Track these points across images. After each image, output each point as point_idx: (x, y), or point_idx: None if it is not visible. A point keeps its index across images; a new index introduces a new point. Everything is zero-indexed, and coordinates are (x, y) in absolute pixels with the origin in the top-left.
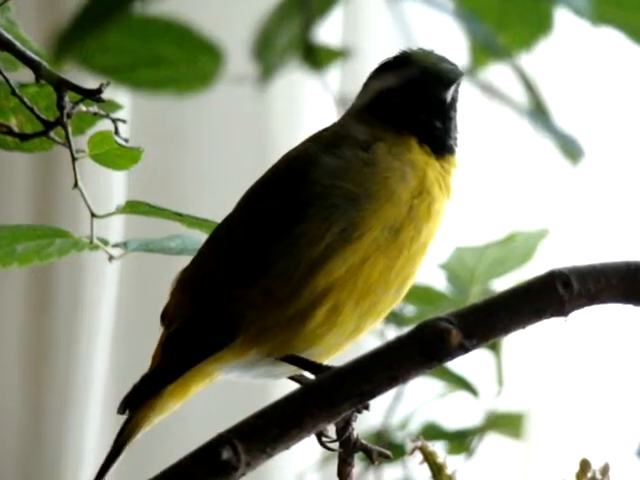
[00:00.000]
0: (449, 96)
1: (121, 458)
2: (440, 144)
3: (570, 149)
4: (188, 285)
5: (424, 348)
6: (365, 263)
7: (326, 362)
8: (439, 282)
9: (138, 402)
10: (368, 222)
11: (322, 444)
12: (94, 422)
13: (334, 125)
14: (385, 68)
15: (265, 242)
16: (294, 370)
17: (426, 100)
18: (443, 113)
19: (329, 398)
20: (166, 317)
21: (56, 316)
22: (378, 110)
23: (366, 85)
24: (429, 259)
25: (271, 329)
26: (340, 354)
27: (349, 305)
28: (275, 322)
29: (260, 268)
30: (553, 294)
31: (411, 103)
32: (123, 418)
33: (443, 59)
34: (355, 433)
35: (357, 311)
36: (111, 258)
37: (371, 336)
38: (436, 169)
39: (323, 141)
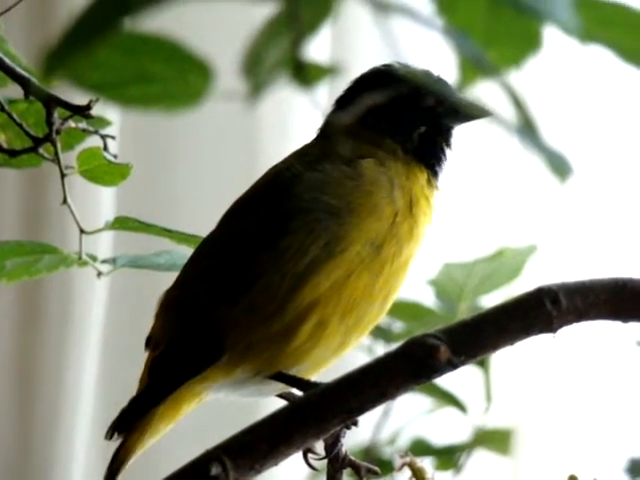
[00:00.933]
0: (430, 102)
1: None
2: (433, 163)
3: (558, 166)
4: (172, 306)
5: (412, 364)
6: (349, 277)
7: (313, 378)
8: (427, 298)
9: (126, 426)
10: (350, 236)
11: (307, 462)
12: (83, 437)
13: (318, 140)
14: (366, 82)
15: (248, 257)
16: (282, 388)
17: (420, 115)
18: (425, 121)
19: (318, 414)
20: (151, 340)
21: (45, 332)
22: (370, 125)
23: (346, 98)
24: (412, 276)
25: (257, 346)
26: (328, 370)
27: (334, 320)
28: (261, 339)
29: (244, 284)
30: (541, 310)
31: (405, 119)
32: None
33: (426, 71)
34: (344, 449)
35: (342, 326)
36: (100, 274)
37: (359, 352)
38: (424, 189)
39: (306, 156)
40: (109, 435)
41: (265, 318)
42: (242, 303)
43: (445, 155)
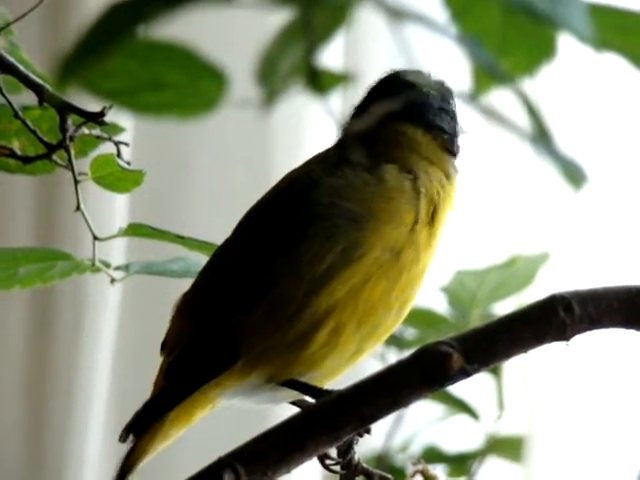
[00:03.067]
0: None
1: None
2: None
3: (573, 174)
4: (188, 310)
5: (425, 372)
6: (366, 284)
7: (326, 386)
8: (440, 305)
9: (141, 429)
10: (369, 242)
11: (325, 467)
12: (95, 445)
13: (336, 147)
14: (379, 90)
15: (266, 263)
16: (296, 395)
17: (445, 116)
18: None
19: (331, 422)
20: (167, 344)
21: (58, 338)
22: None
23: (362, 107)
24: (427, 284)
25: (272, 352)
26: (341, 378)
27: (350, 326)
28: (276, 345)
29: (261, 290)
30: (554, 318)
31: (439, 120)
32: (125, 442)
33: (434, 78)
34: (356, 457)
35: (358, 333)
36: (113, 281)
37: (372, 359)
38: (452, 197)
39: (325, 162)
40: (123, 437)
41: (281, 324)
42: (259, 309)
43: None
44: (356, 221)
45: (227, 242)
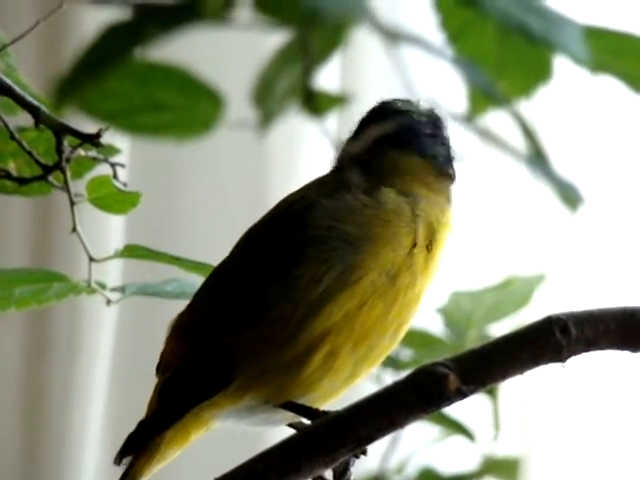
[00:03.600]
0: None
1: None
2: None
3: (568, 195)
4: (183, 331)
5: (421, 393)
6: (362, 307)
7: (322, 408)
8: (436, 326)
9: (134, 450)
10: (366, 265)
11: None
12: (91, 466)
13: (334, 170)
14: (370, 118)
15: (262, 285)
16: (292, 417)
17: (435, 141)
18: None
19: (327, 443)
20: (162, 365)
21: (53, 359)
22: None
23: (355, 136)
24: (423, 307)
25: (267, 374)
26: (337, 399)
27: (346, 350)
28: (272, 367)
29: (257, 312)
30: (551, 340)
31: (429, 145)
32: (120, 464)
33: (425, 105)
34: (352, 478)
35: (354, 356)
36: (109, 302)
37: (368, 381)
38: (448, 220)
39: (324, 186)
40: (118, 460)
41: (277, 346)
42: (254, 331)
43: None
44: (353, 244)
45: (224, 263)
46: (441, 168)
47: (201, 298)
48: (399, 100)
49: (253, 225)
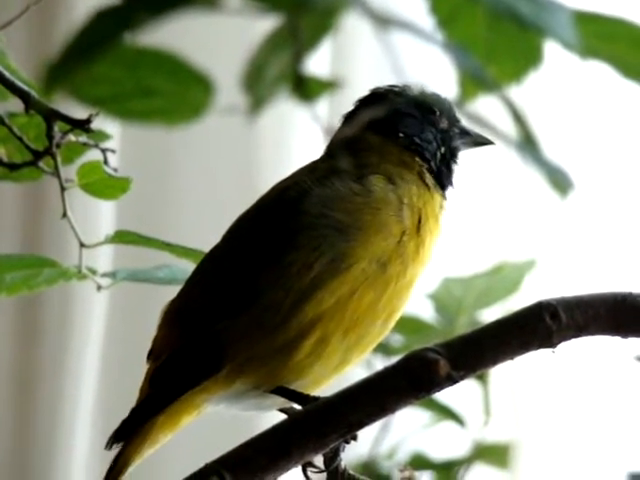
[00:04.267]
0: (444, 124)
1: None
2: (442, 176)
3: (559, 181)
4: (175, 318)
5: (412, 379)
6: (354, 294)
7: (313, 394)
8: (426, 312)
9: (126, 435)
10: (356, 253)
11: (306, 476)
12: (82, 451)
13: (325, 157)
14: (366, 102)
15: (254, 271)
16: (282, 402)
17: (439, 137)
18: (444, 142)
19: (317, 429)
20: (154, 351)
21: (44, 345)
22: (399, 141)
23: (351, 115)
24: (415, 294)
25: (258, 359)
26: (327, 385)
27: (337, 336)
28: (263, 352)
29: (249, 298)
30: (541, 325)
31: (430, 138)
32: (111, 449)
33: (435, 93)
34: (343, 463)
35: (344, 343)
36: (99, 288)
37: (358, 366)
38: (435, 210)
39: (315, 172)
40: (109, 445)
41: (268, 332)
42: (245, 317)
43: (454, 178)
44: (343, 232)
45: (215, 249)
46: (420, 153)
47: (192, 284)
48: (395, 86)
49: (245, 211)
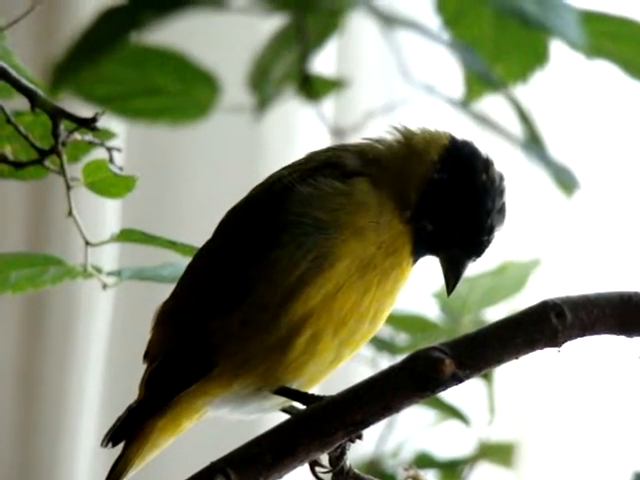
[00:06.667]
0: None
1: None
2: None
3: (564, 180)
4: (167, 319)
5: (417, 378)
6: (339, 292)
7: (310, 391)
8: (431, 311)
9: (123, 436)
10: (337, 252)
11: (314, 474)
12: (86, 451)
13: (326, 151)
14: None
15: (241, 270)
16: (283, 403)
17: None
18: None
19: (322, 428)
20: (149, 352)
21: (49, 343)
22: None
23: None
24: (415, 289)
25: (252, 359)
26: (332, 383)
27: (328, 333)
28: (256, 351)
29: (238, 296)
30: (546, 325)
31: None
32: (115, 448)
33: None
34: (348, 462)
35: (336, 339)
36: (105, 286)
37: (364, 365)
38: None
39: (303, 166)
40: (105, 443)
41: (259, 330)
42: (236, 315)
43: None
44: (324, 230)
45: (205, 247)
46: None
47: (183, 285)
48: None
49: (233, 207)
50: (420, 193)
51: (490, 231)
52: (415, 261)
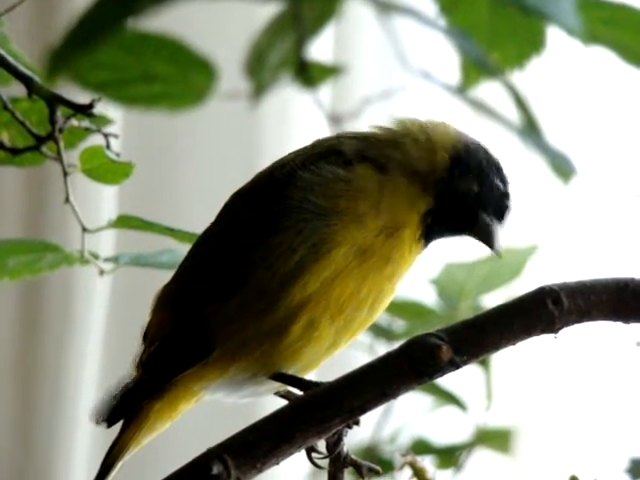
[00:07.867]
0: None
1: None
2: (434, 230)
3: (561, 167)
4: (167, 302)
5: (414, 364)
6: (337, 279)
7: (307, 377)
8: (429, 297)
9: (119, 416)
10: (336, 238)
11: (311, 460)
12: (84, 435)
13: (332, 138)
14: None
15: (240, 254)
16: (278, 387)
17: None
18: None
19: (319, 414)
20: (147, 336)
21: (46, 330)
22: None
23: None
24: (413, 276)
25: (249, 344)
26: (329, 369)
27: (325, 320)
28: (253, 336)
29: (237, 281)
30: (543, 311)
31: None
32: (113, 432)
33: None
34: (345, 448)
35: (333, 327)
36: (102, 272)
37: (361, 352)
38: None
39: (309, 150)
40: (96, 420)
41: (256, 315)
42: (234, 300)
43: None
44: (324, 216)
45: (206, 232)
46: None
47: (183, 268)
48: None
49: (235, 193)
50: (447, 166)
51: (509, 198)
52: (427, 244)
